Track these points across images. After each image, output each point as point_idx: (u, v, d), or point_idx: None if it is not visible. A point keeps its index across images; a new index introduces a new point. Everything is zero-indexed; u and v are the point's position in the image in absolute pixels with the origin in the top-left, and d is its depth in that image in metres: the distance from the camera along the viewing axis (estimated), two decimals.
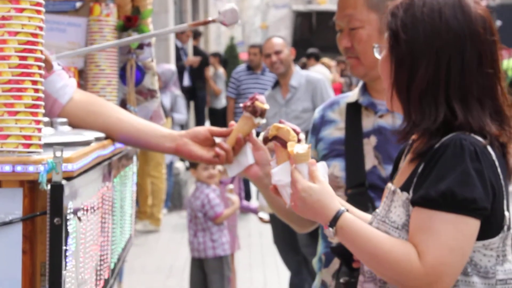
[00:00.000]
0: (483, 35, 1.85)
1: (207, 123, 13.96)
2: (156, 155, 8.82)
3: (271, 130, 2.04)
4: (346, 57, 2.58)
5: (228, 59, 22.87)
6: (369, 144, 2.50)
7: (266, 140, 2.07)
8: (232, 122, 2.39)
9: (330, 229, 1.85)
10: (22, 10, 1.90)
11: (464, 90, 1.83)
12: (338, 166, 2.52)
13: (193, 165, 6.19)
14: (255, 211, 6.90)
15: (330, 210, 1.86)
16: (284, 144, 2.00)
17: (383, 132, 2.48)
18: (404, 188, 1.85)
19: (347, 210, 1.87)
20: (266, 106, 2.36)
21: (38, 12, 1.93)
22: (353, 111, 2.56)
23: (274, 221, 5.94)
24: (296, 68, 6.58)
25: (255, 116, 2.35)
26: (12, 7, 1.90)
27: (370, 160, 2.48)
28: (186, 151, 2.40)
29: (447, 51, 1.83)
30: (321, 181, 1.90)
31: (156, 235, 9.10)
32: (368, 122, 2.53)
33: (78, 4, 3.32)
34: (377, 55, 1.98)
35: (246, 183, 9.64)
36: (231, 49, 31.74)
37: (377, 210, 1.95)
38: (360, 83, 2.61)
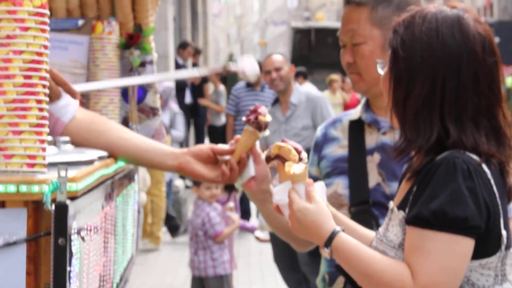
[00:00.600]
0: (481, 54, 1.84)
1: (207, 141, 13.96)
2: (155, 173, 8.80)
3: (273, 149, 2.04)
4: (348, 73, 2.57)
5: (227, 75, 22.89)
6: (373, 161, 2.48)
7: (268, 159, 2.07)
8: (238, 136, 2.37)
9: (326, 249, 1.86)
10: (27, 29, 1.89)
11: (458, 109, 1.83)
12: (342, 184, 2.51)
13: (196, 183, 6.18)
14: (251, 230, 6.89)
15: (325, 230, 1.87)
16: (285, 162, 2.00)
17: (386, 149, 2.47)
18: (401, 206, 1.85)
19: (344, 230, 1.87)
20: (269, 118, 2.36)
21: (43, 31, 1.92)
22: (356, 129, 2.55)
23: (274, 239, 5.92)
24: (296, 85, 6.62)
25: (259, 131, 2.34)
26: (17, 26, 1.89)
27: (374, 178, 2.47)
28: (189, 169, 2.39)
29: (443, 70, 1.83)
30: (317, 202, 1.90)
31: (156, 253, 9.07)
32: (371, 139, 2.52)
33: (80, 22, 3.31)
34: (380, 71, 1.98)
35: (244, 201, 9.63)
36: None
37: (379, 229, 1.94)
38: (363, 100, 2.60)
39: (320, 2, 43.77)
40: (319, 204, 1.90)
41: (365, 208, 2.42)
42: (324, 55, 17.75)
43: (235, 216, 6.21)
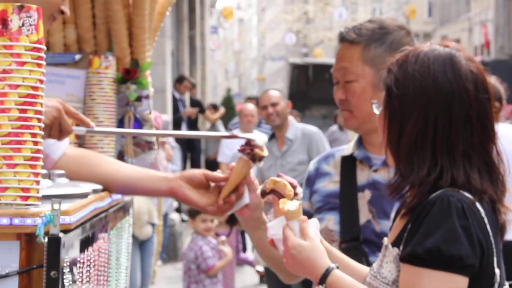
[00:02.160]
0: (473, 92, 1.86)
1: None
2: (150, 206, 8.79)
3: (268, 184, 2.05)
4: (340, 109, 2.59)
5: (225, 110, 22.91)
6: (364, 198, 2.49)
7: (263, 194, 2.08)
8: (232, 164, 2.35)
9: (320, 286, 1.87)
10: (23, 63, 1.91)
11: (451, 145, 1.84)
12: (332, 220, 2.52)
13: (192, 216, 6.19)
14: (252, 264, 6.87)
15: (319, 267, 1.87)
16: (280, 197, 2.02)
17: (377, 187, 2.49)
18: (395, 243, 1.86)
19: (338, 267, 1.88)
20: (265, 152, 2.35)
21: (39, 65, 1.94)
22: (348, 165, 2.57)
23: (268, 273, 5.91)
24: (292, 121, 6.62)
25: (254, 162, 2.33)
26: (13, 61, 1.91)
27: (364, 214, 2.47)
28: (181, 194, 2.37)
29: (435, 107, 1.85)
30: (311, 238, 1.91)
31: (151, 287, 9.03)
32: (363, 176, 2.53)
33: (77, 57, 3.35)
34: (376, 111, 2.00)
35: (243, 235, 9.60)
36: (228, 100, 31.86)
37: (373, 265, 1.95)
38: (356, 137, 2.62)
39: (318, 38, 44.02)
40: (314, 241, 1.91)
41: (355, 244, 2.43)
42: (322, 91, 17.80)
43: (227, 250, 6.20)
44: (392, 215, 2.39)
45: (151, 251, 6.58)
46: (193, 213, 6.21)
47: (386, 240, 1.93)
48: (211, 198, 2.35)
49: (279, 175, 2.09)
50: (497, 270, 1.82)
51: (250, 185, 2.32)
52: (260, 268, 6.45)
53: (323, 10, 43.88)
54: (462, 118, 1.85)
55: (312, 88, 17.72)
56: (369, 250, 2.41)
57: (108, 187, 2.49)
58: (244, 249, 10.20)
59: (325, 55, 41.71)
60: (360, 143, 2.58)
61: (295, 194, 2.04)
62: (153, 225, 6.61)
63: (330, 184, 2.57)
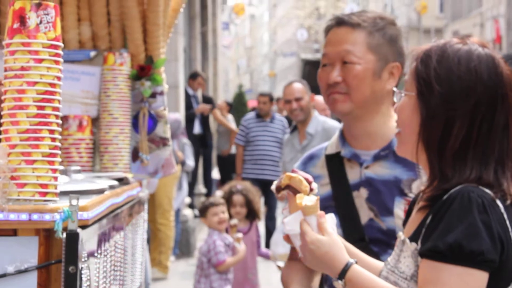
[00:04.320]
0: (508, 94, 1.86)
1: (215, 170, 13.98)
2: (163, 202, 8.81)
3: (283, 180, 2.04)
4: (329, 93, 2.47)
5: (237, 106, 22.95)
6: (360, 196, 2.43)
7: (278, 189, 2.06)
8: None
9: (339, 281, 1.86)
10: (41, 60, 1.93)
11: (488, 149, 1.83)
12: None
13: (202, 213, 6.20)
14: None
15: (339, 262, 1.87)
16: (296, 193, 2.01)
17: (372, 183, 2.42)
18: (413, 238, 1.85)
19: (356, 262, 1.88)
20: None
21: (57, 62, 1.96)
22: (335, 164, 2.50)
23: None
24: (315, 114, 6.43)
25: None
26: (31, 58, 1.93)
27: (365, 214, 2.41)
28: None
29: (481, 110, 1.83)
30: (329, 233, 1.91)
31: (164, 282, 9.06)
32: (354, 174, 2.46)
33: (92, 54, 3.36)
34: (396, 100, 1.96)
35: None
36: (240, 96, 31.86)
37: (388, 259, 1.94)
38: (337, 133, 2.54)
39: None
40: (332, 236, 1.91)
41: (362, 245, 2.34)
42: None
43: (242, 248, 6.19)
44: (396, 210, 2.38)
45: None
46: (203, 210, 6.21)
47: (402, 235, 1.92)
48: None
49: (293, 171, 2.08)
50: None
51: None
52: (281, 264, 6.42)
53: (335, 6, 43.79)
54: (502, 123, 1.84)
55: None
56: (379, 249, 2.36)
57: None
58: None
59: None
60: (343, 140, 2.51)
61: (311, 189, 2.03)
62: None
63: (321, 188, 2.48)
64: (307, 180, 2.03)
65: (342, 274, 1.86)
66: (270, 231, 9.67)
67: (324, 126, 6.29)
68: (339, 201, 2.45)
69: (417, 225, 1.87)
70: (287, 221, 1.99)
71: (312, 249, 1.89)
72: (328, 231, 1.91)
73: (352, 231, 2.41)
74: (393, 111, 2.13)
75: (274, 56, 63.98)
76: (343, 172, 2.47)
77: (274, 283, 8.88)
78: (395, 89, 1.98)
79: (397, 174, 2.40)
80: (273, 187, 2.07)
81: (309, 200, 1.95)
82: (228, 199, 6.50)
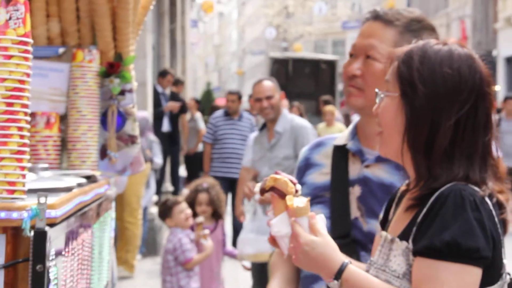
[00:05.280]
0: (488, 94, 1.89)
1: (182, 168, 13.94)
2: (131, 200, 8.77)
3: (268, 181, 2.03)
4: (347, 85, 2.45)
5: (205, 104, 22.90)
6: (353, 193, 2.42)
7: (263, 191, 2.05)
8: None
9: (335, 281, 1.87)
10: (10, 57, 1.91)
11: (472, 147, 1.85)
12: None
13: (166, 214, 6.17)
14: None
15: (334, 262, 1.88)
16: (281, 195, 2.00)
17: (368, 184, 2.41)
18: (403, 237, 1.87)
19: (351, 262, 1.89)
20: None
21: (26, 59, 1.94)
22: (340, 156, 2.48)
23: (254, 269, 5.92)
24: (284, 112, 6.38)
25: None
26: (1, 54, 1.91)
27: (353, 211, 2.40)
28: None
29: (465, 109, 1.85)
30: (322, 234, 1.92)
31: (130, 281, 9.01)
32: (354, 169, 2.44)
33: (61, 50, 3.33)
34: (377, 101, 1.96)
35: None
36: (208, 94, 31.77)
37: (373, 259, 1.95)
38: (351, 126, 2.52)
39: (298, 33, 44.02)
40: (325, 237, 1.92)
41: (346, 241, 2.36)
42: (301, 85, 17.82)
43: (209, 244, 6.18)
44: (381, 215, 2.39)
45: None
46: (167, 211, 6.19)
47: (388, 234, 1.92)
48: None
49: (277, 172, 2.05)
50: (505, 261, 1.87)
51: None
52: (247, 264, 6.41)
53: (303, 4, 43.87)
54: (483, 121, 1.87)
55: (291, 83, 17.73)
56: (357, 248, 2.35)
57: None
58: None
59: (304, 50, 41.73)
60: (354, 133, 2.49)
61: (296, 191, 2.01)
62: None
63: (320, 176, 2.48)
64: (291, 181, 2.01)
65: (339, 275, 1.86)
66: (237, 230, 9.67)
67: (292, 124, 6.23)
68: (334, 193, 2.44)
69: (406, 224, 1.88)
70: (274, 223, 1.98)
71: (306, 250, 1.90)
72: (321, 232, 1.92)
73: (340, 225, 2.40)
74: None
75: (242, 54, 63.95)
76: (346, 165, 2.46)
77: (241, 282, 8.89)
78: (377, 90, 1.97)
79: (394, 180, 2.38)
80: (256, 189, 2.06)
81: (300, 202, 1.95)
82: (194, 197, 6.49)
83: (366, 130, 2.47)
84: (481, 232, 1.77)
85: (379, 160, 2.41)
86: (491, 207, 1.82)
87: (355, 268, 1.87)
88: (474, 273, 1.77)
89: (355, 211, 2.40)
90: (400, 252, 1.86)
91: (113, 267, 3.43)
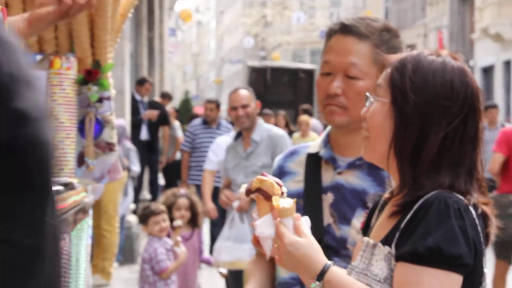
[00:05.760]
0: (478, 109, 1.91)
1: (161, 177, 13.93)
2: (108, 208, 8.75)
3: (254, 183, 2.03)
4: (326, 103, 2.41)
5: (183, 112, 22.88)
6: (326, 200, 2.43)
7: (248, 192, 2.05)
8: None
9: (317, 282, 1.88)
10: None
11: (460, 159, 1.87)
12: None
13: (143, 221, 6.18)
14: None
15: (317, 264, 1.89)
16: (266, 196, 2.00)
17: (340, 190, 2.42)
18: (386, 242, 1.88)
19: (334, 264, 1.91)
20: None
21: None
22: (313, 164, 2.48)
23: (231, 276, 5.93)
24: (259, 121, 6.40)
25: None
26: None
27: (326, 218, 2.41)
28: (35, 17, 2.23)
29: (455, 121, 1.86)
30: (307, 236, 1.93)
31: None
32: (327, 177, 2.45)
33: (38, 57, 3.33)
34: (367, 104, 1.96)
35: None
36: (186, 102, 31.76)
37: (354, 263, 1.96)
38: (324, 134, 2.52)
39: (276, 42, 44.15)
40: (310, 238, 1.93)
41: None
42: (279, 94, 17.84)
43: (182, 251, 6.18)
44: (354, 221, 2.39)
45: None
46: (144, 218, 6.19)
47: (370, 240, 1.94)
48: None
49: (263, 174, 2.05)
50: (486, 270, 1.88)
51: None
52: (223, 270, 6.41)
53: (281, 14, 44.04)
54: (471, 135, 1.89)
55: (270, 91, 17.76)
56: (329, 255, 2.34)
57: None
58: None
59: (283, 59, 41.85)
60: (327, 142, 2.49)
61: (282, 193, 2.01)
62: None
63: (294, 184, 2.49)
64: (277, 183, 2.02)
65: (321, 276, 1.88)
66: (214, 237, 9.68)
67: (270, 134, 6.26)
68: (308, 201, 2.44)
69: (389, 229, 1.90)
70: (258, 224, 1.99)
71: (290, 251, 1.91)
72: (305, 233, 1.93)
73: (314, 232, 2.40)
74: None
75: (220, 63, 64.00)
76: (318, 173, 2.46)
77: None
78: (368, 94, 1.97)
79: (366, 186, 2.40)
80: (242, 190, 2.07)
81: (286, 203, 1.96)
82: (173, 202, 6.48)
83: (339, 140, 2.47)
84: (463, 239, 1.78)
85: (351, 166, 2.43)
86: (475, 216, 1.84)
87: (337, 270, 1.89)
88: (455, 280, 1.79)
89: (328, 218, 2.42)
90: (382, 257, 1.87)
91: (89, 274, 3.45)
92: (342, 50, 2.39)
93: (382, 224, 1.95)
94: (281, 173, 2.55)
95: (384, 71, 1.96)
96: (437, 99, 1.86)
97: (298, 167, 2.53)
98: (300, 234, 1.93)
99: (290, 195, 2.48)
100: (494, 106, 12.31)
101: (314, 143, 2.56)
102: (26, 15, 2.24)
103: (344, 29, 2.40)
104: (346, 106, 2.39)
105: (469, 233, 1.80)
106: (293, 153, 2.59)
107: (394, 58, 1.95)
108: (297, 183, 2.50)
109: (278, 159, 2.62)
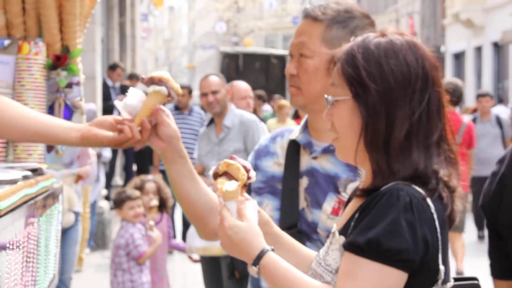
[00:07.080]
0: (437, 78, 1.88)
1: (134, 164, 13.87)
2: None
3: (221, 166, 2.02)
4: (289, 85, 2.51)
5: None
6: (301, 185, 2.46)
7: (216, 176, 2.03)
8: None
9: (254, 267, 1.86)
10: None
11: (429, 135, 1.84)
12: (271, 205, 2.49)
13: (117, 205, 6.16)
14: (183, 250, 6.86)
15: (254, 248, 1.87)
16: (232, 180, 1.98)
17: (314, 175, 2.45)
18: (342, 231, 1.86)
19: (273, 250, 1.87)
20: (165, 74, 2.19)
21: None
22: (293, 149, 2.52)
23: (202, 263, 5.94)
24: (231, 107, 6.40)
25: (152, 84, 2.19)
26: None
27: (300, 202, 2.44)
28: (92, 135, 2.23)
29: (417, 98, 1.83)
30: (248, 220, 1.90)
31: (78, 275, 8.96)
32: (303, 162, 2.49)
33: (6, 42, 3.30)
34: (329, 106, 1.92)
35: (173, 221, 9.58)
36: None
37: (320, 251, 1.95)
38: (303, 120, 2.56)
39: (248, 28, 44.05)
40: (250, 222, 1.90)
41: (294, 232, 2.37)
42: (252, 80, 17.79)
43: (157, 235, 6.19)
44: (325, 205, 2.41)
45: (75, 239, 6.52)
46: (119, 202, 6.18)
47: (334, 227, 1.93)
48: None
49: (232, 157, 2.04)
50: (441, 267, 1.83)
51: (159, 117, 2.19)
52: (195, 256, 6.41)
53: None
54: (436, 105, 1.86)
55: (242, 77, 17.66)
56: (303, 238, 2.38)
57: (19, 133, 2.28)
58: (174, 236, 10.21)
59: (255, 44, 41.78)
60: (305, 127, 2.54)
61: (248, 178, 2.00)
62: (76, 213, 6.54)
63: (274, 166, 2.53)
64: (245, 168, 2.00)
65: (257, 260, 1.86)
66: (187, 223, 9.68)
67: (242, 119, 6.26)
68: (286, 185, 2.48)
69: (347, 219, 1.88)
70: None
71: (230, 234, 1.89)
72: (247, 217, 1.90)
73: (289, 216, 2.44)
74: None
75: (193, 48, 63.77)
76: (298, 158, 2.50)
77: (189, 276, 8.90)
78: (326, 96, 1.93)
79: (339, 171, 2.43)
80: (210, 172, 2.06)
81: (230, 186, 1.94)
82: (141, 187, 6.49)
83: (314, 124, 2.51)
84: (409, 234, 1.74)
85: (326, 151, 2.45)
86: (433, 210, 1.79)
87: (275, 256, 1.86)
88: (393, 275, 1.74)
89: (302, 202, 2.45)
90: (337, 247, 1.86)
91: (59, 260, 3.44)
92: (298, 32, 2.51)
93: (346, 212, 1.94)
94: (265, 151, 2.60)
95: (333, 61, 1.92)
96: (396, 80, 1.83)
97: (279, 149, 2.57)
98: (242, 218, 1.91)
99: (271, 177, 2.51)
100: (485, 95, 10.74)
101: (297, 128, 2.59)
102: (81, 127, 2.26)
103: (304, 14, 2.53)
104: (299, 85, 2.47)
105: (417, 228, 1.75)
106: (277, 135, 2.62)
107: (340, 51, 1.90)
108: (277, 165, 2.54)
109: (264, 137, 2.66)
